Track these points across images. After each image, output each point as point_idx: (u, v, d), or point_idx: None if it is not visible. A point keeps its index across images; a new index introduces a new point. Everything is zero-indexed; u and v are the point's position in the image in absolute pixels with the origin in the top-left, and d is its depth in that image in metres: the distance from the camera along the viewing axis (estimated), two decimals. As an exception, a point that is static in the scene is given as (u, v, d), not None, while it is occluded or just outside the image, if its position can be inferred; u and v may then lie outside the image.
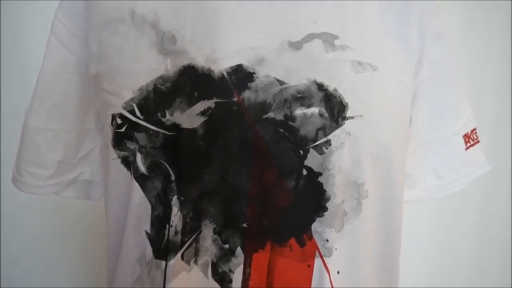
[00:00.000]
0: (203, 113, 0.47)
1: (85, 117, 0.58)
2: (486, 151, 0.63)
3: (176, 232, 0.50)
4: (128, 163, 0.51)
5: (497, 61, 1.09)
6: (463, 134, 0.61)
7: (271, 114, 0.47)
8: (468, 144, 0.62)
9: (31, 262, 1.12)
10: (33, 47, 0.94)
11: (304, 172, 0.48)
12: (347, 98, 0.48)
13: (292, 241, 0.49)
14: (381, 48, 0.50)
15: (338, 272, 0.51)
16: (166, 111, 0.48)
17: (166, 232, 0.50)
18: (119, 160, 0.51)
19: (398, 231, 0.55)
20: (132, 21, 0.50)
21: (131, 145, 0.50)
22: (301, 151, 0.48)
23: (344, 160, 0.48)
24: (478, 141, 0.63)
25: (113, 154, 0.52)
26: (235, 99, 0.47)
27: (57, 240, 1.13)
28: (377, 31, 0.50)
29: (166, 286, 0.50)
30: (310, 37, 0.48)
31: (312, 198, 0.49)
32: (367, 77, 0.49)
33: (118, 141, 0.51)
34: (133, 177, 0.51)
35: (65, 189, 0.61)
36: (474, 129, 0.62)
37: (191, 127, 0.48)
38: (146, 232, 0.51)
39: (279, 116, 0.47)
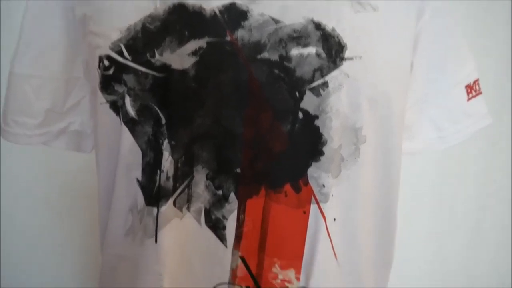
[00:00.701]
0: (194, 53, 0.45)
1: (73, 65, 0.55)
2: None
3: (167, 178, 0.48)
4: (117, 107, 0.49)
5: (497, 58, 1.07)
6: (465, 84, 0.59)
7: (265, 54, 0.45)
8: (470, 95, 0.60)
9: (31, 262, 1.13)
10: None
11: (300, 115, 0.46)
12: (346, 38, 0.46)
13: (287, 186, 0.48)
14: None
15: (334, 220, 0.50)
16: (156, 51, 0.46)
17: (157, 178, 0.49)
18: (108, 104, 0.50)
19: (396, 181, 0.54)
20: None
21: (119, 88, 0.48)
22: (297, 93, 0.46)
23: (342, 102, 0.47)
24: (481, 93, 0.61)
25: (101, 98, 0.50)
26: (228, 38, 0.45)
27: (57, 240, 1.13)
28: None
29: (158, 233, 0.49)
30: None
31: (308, 142, 0.47)
32: (367, 18, 0.47)
33: (106, 84, 0.49)
34: (122, 122, 0.49)
35: (54, 140, 0.59)
36: (477, 79, 0.60)
37: (181, 68, 0.46)
38: (137, 180, 0.50)
39: (274, 57, 0.45)
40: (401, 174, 0.54)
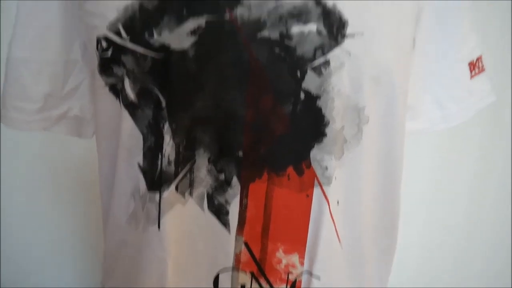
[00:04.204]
0: (193, 32, 0.44)
1: (71, 47, 0.54)
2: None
3: (169, 162, 0.47)
4: (117, 90, 0.48)
5: (497, 57, 1.05)
6: (468, 62, 0.58)
7: (265, 33, 0.44)
8: (473, 73, 0.59)
9: (31, 262, 1.13)
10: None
11: (302, 95, 0.46)
12: (347, 14, 0.45)
13: (290, 169, 0.47)
14: None
15: (337, 203, 0.49)
16: (154, 31, 0.45)
17: (159, 162, 0.48)
18: (107, 88, 0.49)
19: (400, 161, 0.53)
20: None
21: (118, 71, 0.47)
22: (298, 72, 0.45)
23: (344, 82, 0.46)
24: (484, 70, 0.60)
25: (100, 81, 0.49)
26: (227, 16, 0.44)
27: (57, 240, 1.13)
28: None
29: (161, 220, 0.49)
30: None
31: (311, 123, 0.46)
32: None
33: (105, 66, 0.48)
34: (122, 106, 0.48)
35: (54, 125, 0.58)
36: (480, 56, 0.59)
37: (181, 48, 0.44)
38: (139, 165, 0.49)
39: (275, 35, 0.44)
40: (404, 155, 0.53)
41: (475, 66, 0.59)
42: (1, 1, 0.90)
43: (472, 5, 0.56)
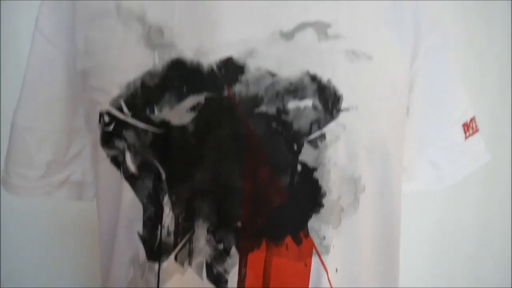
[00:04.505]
0: (192, 108, 0.46)
1: (74, 115, 0.56)
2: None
3: (168, 233, 0.48)
4: (118, 162, 0.49)
5: (497, 57, 1.08)
6: (462, 123, 0.59)
7: (263, 108, 0.46)
8: (468, 134, 0.60)
9: (31, 262, 1.11)
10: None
11: (299, 167, 0.47)
12: (341, 89, 0.46)
13: (288, 239, 0.48)
14: (375, 36, 0.49)
15: (336, 270, 0.50)
16: (155, 107, 0.46)
17: (158, 233, 0.48)
18: (109, 159, 0.50)
19: (397, 226, 0.54)
20: (118, 15, 0.48)
21: (120, 144, 0.48)
22: (295, 146, 0.46)
23: (340, 154, 0.47)
24: (478, 130, 0.61)
25: (102, 153, 0.50)
26: (226, 93, 0.46)
27: (57, 240, 1.12)
28: (371, 19, 0.49)
29: None
30: (302, 26, 0.46)
31: (308, 195, 0.47)
32: (362, 67, 0.47)
33: (107, 140, 0.49)
34: (123, 177, 0.49)
35: (55, 190, 0.59)
36: (473, 117, 0.61)
37: (180, 124, 0.46)
38: (139, 233, 0.50)
39: (272, 110, 0.46)
40: (402, 219, 0.54)
41: (469, 127, 0.61)
42: (1, 1, 0.90)
43: (463, 71, 0.58)
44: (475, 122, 0.61)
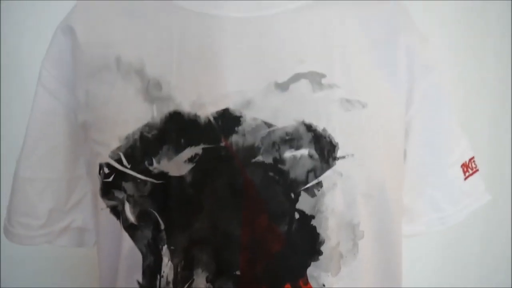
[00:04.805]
0: (190, 160, 0.47)
1: (75, 165, 0.57)
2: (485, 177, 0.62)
3: (167, 283, 0.48)
4: (117, 212, 0.50)
5: (497, 57, 1.08)
6: (461, 164, 0.60)
7: (260, 158, 0.46)
8: (467, 174, 0.60)
9: (31, 262, 1.10)
10: (33, 47, 0.90)
11: (297, 215, 0.47)
12: (337, 137, 0.47)
13: (288, 287, 0.48)
14: (369, 84, 0.50)
15: None
16: (153, 159, 0.47)
17: (158, 283, 0.49)
18: (108, 209, 0.50)
19: (398, 268, 0.53)
20: (118, 69, 0.49)
21: (119, 195, 0.49)
22: (292, 195, 0.47)
23: (337, 201, 0.47)
24: (477, 170, 0.61)
25: (101, 203, 0.51)
26: (223, 144, 0.46)
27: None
28: (364, 67, 0.50)
29: None
30: (296, 77, 0.48)
31: (306, 242, 0.47)
32: (357, 115, 0.48)
33: (106, 190, 0.50)
34: (122, 227, 0.50)
35: (57, 238, 0.60)
36: (472, 157, 0.61)
37: (179, 175, 0.47)
38: (138, 282, 0.50)
39: (268, 160, 0.46)
40: (402, 263, 0.54)
41: (468, 168, 0.61)
42: (1, 1, 0.90)
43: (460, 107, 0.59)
44: (474, 162, 0.61)
